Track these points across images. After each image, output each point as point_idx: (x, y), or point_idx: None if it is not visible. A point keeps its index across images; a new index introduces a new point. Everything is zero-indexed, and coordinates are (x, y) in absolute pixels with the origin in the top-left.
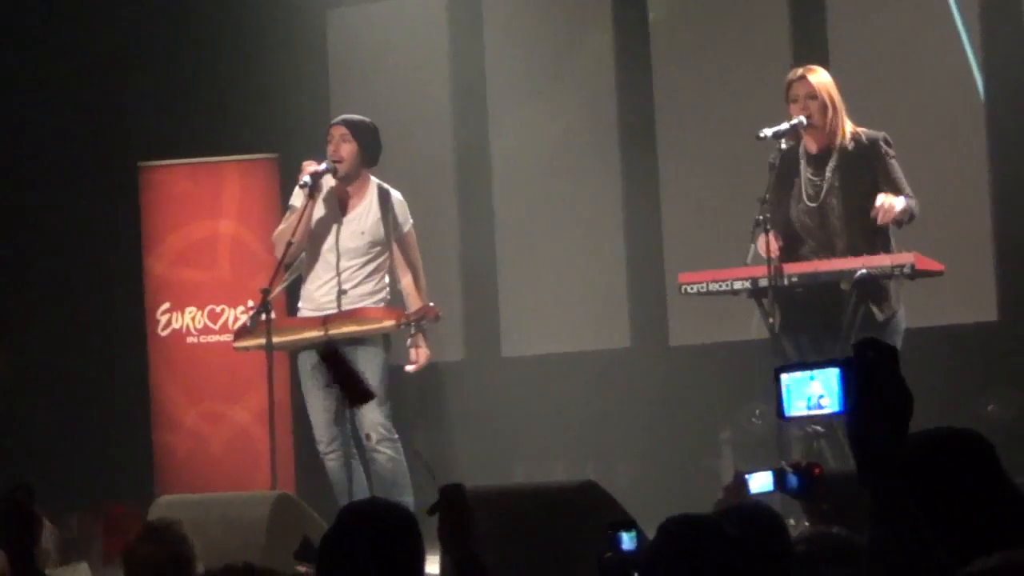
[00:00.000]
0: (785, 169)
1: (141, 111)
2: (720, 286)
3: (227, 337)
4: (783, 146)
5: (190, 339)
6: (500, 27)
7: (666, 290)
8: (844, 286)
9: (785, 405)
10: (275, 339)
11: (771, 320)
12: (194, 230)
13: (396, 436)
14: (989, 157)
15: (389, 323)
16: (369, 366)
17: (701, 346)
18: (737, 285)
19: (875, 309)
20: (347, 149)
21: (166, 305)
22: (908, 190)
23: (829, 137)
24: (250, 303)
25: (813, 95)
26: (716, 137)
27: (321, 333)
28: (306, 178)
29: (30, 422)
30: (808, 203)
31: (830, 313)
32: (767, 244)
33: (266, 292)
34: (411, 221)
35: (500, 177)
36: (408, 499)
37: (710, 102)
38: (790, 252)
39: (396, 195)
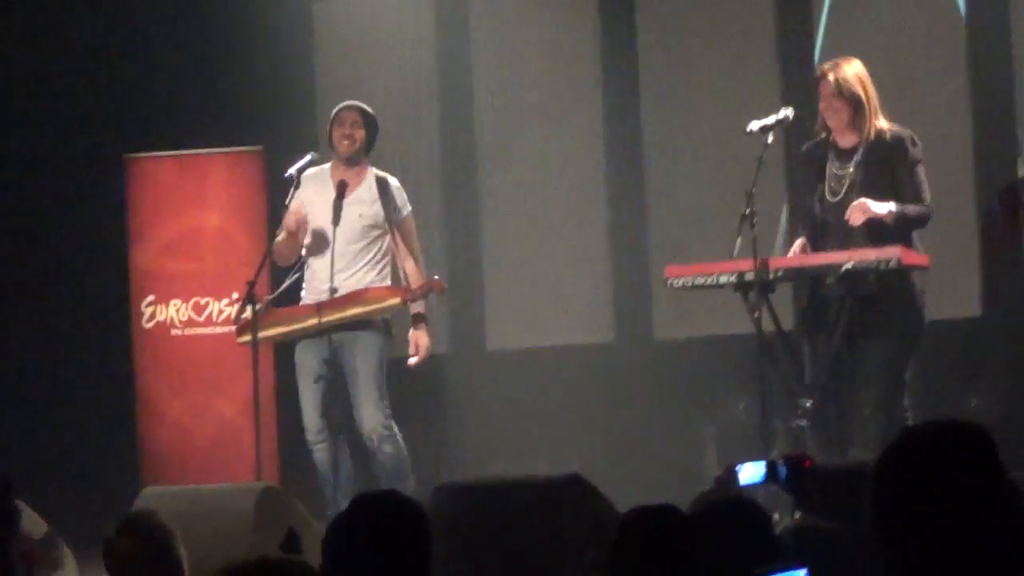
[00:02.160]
0: (816, 163)
1: (127, 102)
2: (706, 280)
3: (212, 330)
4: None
5: (175, 331)
6: (487, 20)
7: (651, 284)
8: (830, 280)
9: None
10: (273, 330)
11: (756, 315)
12: (180, 222)
13: (395, 430)
14: (974, 155)
15: (394, 300)
16: (368, 354)
17: (686, 340)
18: (723, 279)
19: (908, 311)
20: (359, 135)
21: (151, 297)
22: (925, 194)
23: (857, 133)
24: (235, 295)
25: (838, 94)
26: (703, 130)
27: (315, 321)
28: (291, 171)
29: (14, 413)
30: (830, 198)
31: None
32: (793, 248)
33: (252, 284)
34: (409, 207)
35: (486, 170)
36: (410, 484)
37: (697, 95)
38: (813, 247)
39: (394, 181)
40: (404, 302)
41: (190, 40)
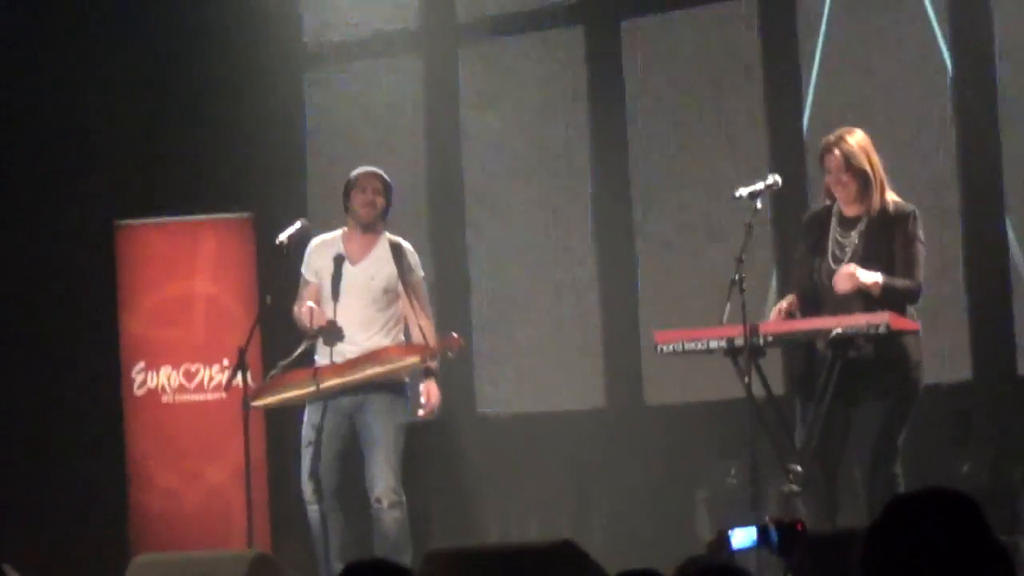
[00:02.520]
0: (818, 228)
1: (117, 169)
2: (696, 345)
3: (202, 396)
4: (808, 213)
5: (165, 398)
6: (476, 93)
7: (641, 349)
8: (820, 345)
9: None
10: (290, 392)
11: (746, 379)
12: (169, 289)
13: (403, 498)
14: (962, 211)
15: (413, 359)
16: (387, 415)
17: (676, 405)
18: (712, 344)
19: (904, 377)
20: (380, 202)
21: (141, 364)
22: (917, 272)
23: (864, 205)
24: (225, 362)
25: (846, 168)
26: (693, 194)
27: (338, 381)
28: (281, 238)
29: (5, 479)
30: (832, 265)
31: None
32: (781, 308)
33: (243, 351)
34: (422, 271)
35: (475, 235)
36: (409, 556)
37: (685, 160)
38: (809, 311)
39: (407, 245)
40: (423, 360)
41: (180, 106)
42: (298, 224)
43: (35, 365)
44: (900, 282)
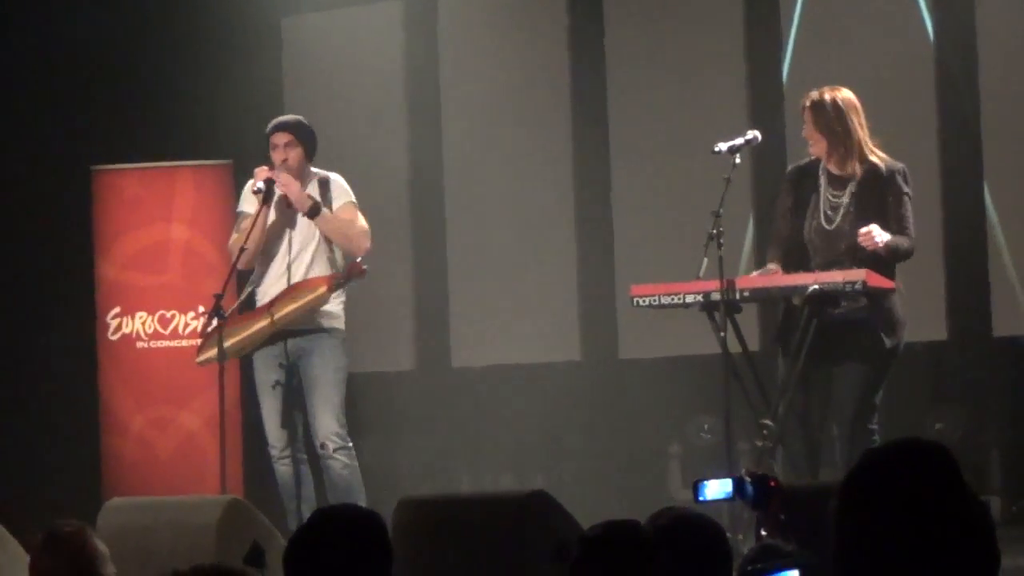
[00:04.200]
0: (804, 182)
1: (95, 115)
2: (672, 299)
3: (177, 343)
4: (792, 167)
5: (140, 344)
6: (455, 38)
7: (616, 303)
8: (796, 301)
9: None
10: (229, 341)
11: (722, 334)
12: (146, 235)
13: (350, 443)
14: (941, 175)
15: (321, 289)
16: (326, 361)
17: (651, 359)
18: (689, 299)
19: (884, 335)
20: (295, 154)
21: (116, 309)
22: (911, 230)
23: (844, 161)
24: (201, 309)
25: (812, 125)
26: (670, 149)
27: (267, 321)
28: (260, 184)
29: None
30: (824, 224)
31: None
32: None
33: (219, 297)
34: (351, 198)
35: (453, 188)
36: (361, 503)
37: (664, 115)
38: (797, 266)
39: (335, 178)
40: (330, 289)
41: (158, 53)
42: (277, 171)
43: (10, 309)
44: (901, 240)
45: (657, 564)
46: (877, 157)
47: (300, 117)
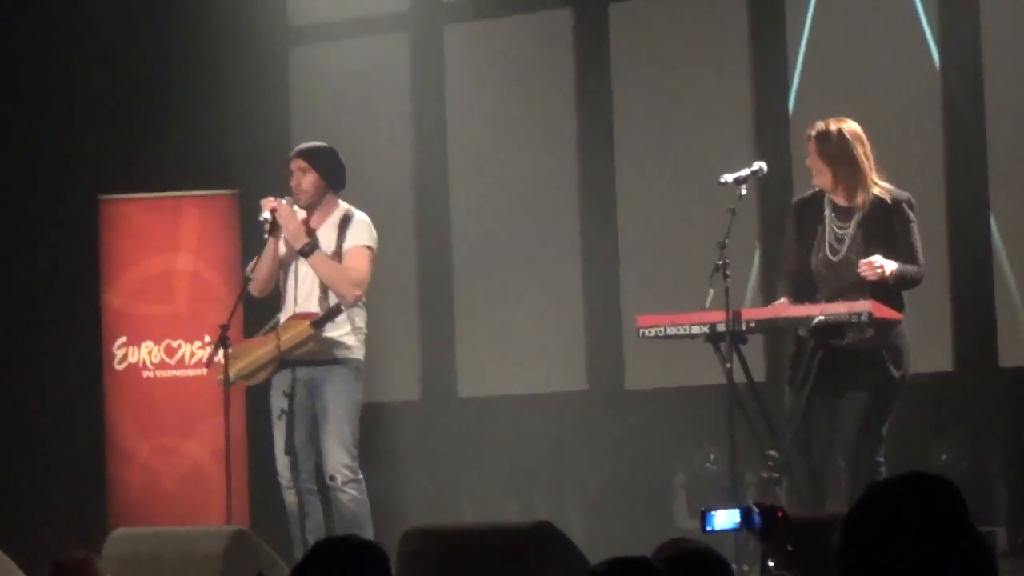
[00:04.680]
0: (809, 214)
1: (101, 144)
2: (678, 330)
3: (183, 372)
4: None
5: (146, 373)
6: (462, 68)
7: (623, 333)
8: (802, 332)
9: None
10: (240, 362)
11: (728, 365)
12: (152, 264)
13: (360, 476)
14: (947, 205)
15: (303, 325)
16: (339, 392)
17: (657, 390)
18: (695, 329)
19: (891, 365)
20: (308, 180)
21: (123, 339)
22: (920, 258)
23: (850, 193)
24: (207, 338)
25: (816, 156)
26: (676, 180)
27: (273, 346)
28: (265, 214)
29: None
30: (829, 255)
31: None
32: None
33: (224, 328)
34: (364, 241)
35: (459, 217)
36: (368, 535)
37: (671, 143)
38: (807, 299)
39: (359, 216)
40: (312, 325)
41: (166, 82)
42: (284, 201)
43: (17, 337)
44: (910, 268)
45: None
46: (881, 188)
47: (324, 144)
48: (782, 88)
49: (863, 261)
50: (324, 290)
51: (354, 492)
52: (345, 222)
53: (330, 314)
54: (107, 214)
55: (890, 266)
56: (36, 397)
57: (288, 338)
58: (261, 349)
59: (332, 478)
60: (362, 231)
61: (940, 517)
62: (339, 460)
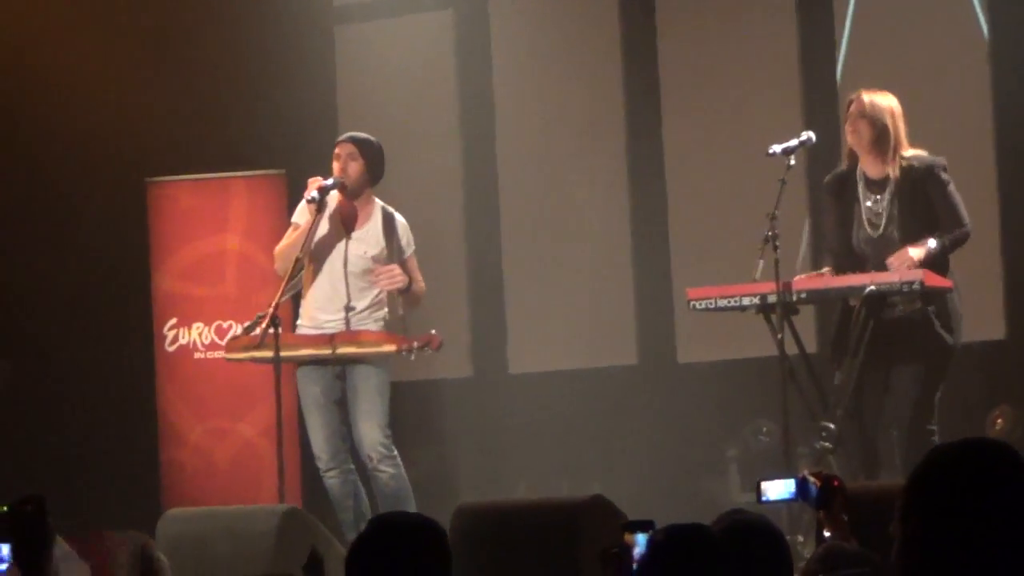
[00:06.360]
0: (844, 193)
1: (149, 127)
2: (729, 302)
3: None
4: (828, 178)
5: (197, 355)
6: (508, 44)
7: (674, 307)
8: (853, 302)
9: None
10: (280, 354)
11: (779, 336)
12: (201, 246)
13: (395, 453)
14: (997, 173)
15: (389, 348)
16: (369, 374)
17: (709, 363)
18: (745, 301)
19: (943, 332)
20: (354, 167)
21: (173, 320)
22: (963, 217)
23: (881, 162)
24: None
25: (862, 114)
26: (725, 152)
27: (329, 351)
28: (314, 193)
29: (38, 436)
30: (870, 232)
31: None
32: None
33: (274, 307)
34: (414, 247)
35: (508, 194)
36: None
37: (719, 118)
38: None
39: (400, 219)
40: (399, 352)
41: (212, 64)
42: (330, 181)
43: (68, 321)
44: (950, 236)
45: (724, 568)
46: (912, 153)
47: (373, 138)
48: (830, 58)
49: (891, 260)
50: (375, 292)
51: (392, 469)
52: (389, 222)
53: (425, 345)
54: (154, 197)
55: (922, 251)
56: (89, 380)
57: (357, 352)
58: (313, 349)
59: (369, 457)
60: (410, 237)
61: (1003, 481)
62: (374, 439)
